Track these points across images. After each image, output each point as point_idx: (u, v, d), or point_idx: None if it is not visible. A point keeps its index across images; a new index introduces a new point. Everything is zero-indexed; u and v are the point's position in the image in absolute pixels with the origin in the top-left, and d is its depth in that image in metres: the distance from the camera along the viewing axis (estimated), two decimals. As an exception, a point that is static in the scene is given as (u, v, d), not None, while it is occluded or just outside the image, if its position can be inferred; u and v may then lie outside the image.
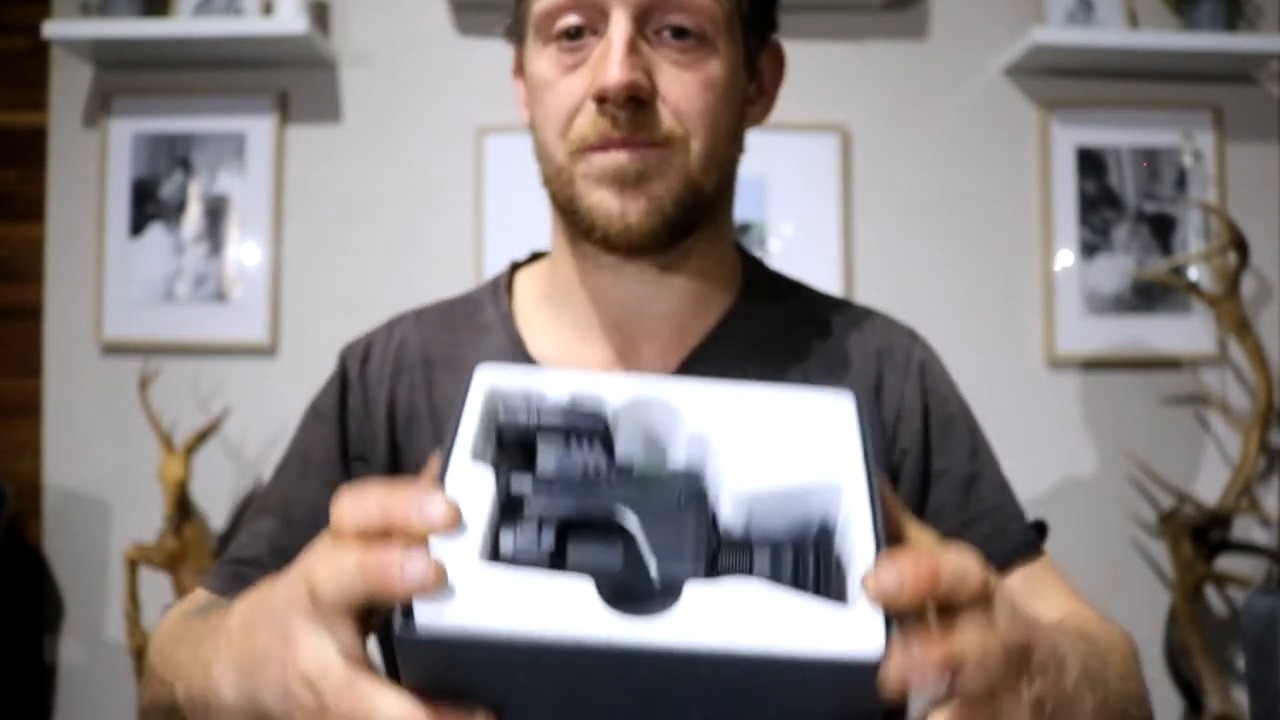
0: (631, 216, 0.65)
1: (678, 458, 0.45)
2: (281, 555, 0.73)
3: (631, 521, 0.38)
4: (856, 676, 0.35)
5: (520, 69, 0.75)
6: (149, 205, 1.96)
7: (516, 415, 0.42)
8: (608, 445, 0.42)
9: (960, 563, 0.39)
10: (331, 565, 0.38)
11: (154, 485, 1.80)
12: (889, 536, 0.41)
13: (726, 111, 0.69)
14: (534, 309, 0.77)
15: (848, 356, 0.75)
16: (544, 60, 0.68)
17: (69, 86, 1.98)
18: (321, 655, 0.39)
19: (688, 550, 0.38)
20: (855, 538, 0.40)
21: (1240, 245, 1.78)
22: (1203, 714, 1.75)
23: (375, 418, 0.75)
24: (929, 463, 0.73)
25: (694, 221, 0.68)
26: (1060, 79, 1.98)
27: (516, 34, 0.74)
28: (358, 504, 0.39)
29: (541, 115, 0.69)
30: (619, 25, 0.64)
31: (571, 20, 0.66)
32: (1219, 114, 1.99)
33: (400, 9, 1.98)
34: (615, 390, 0.45)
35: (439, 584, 0.35)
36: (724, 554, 0.39)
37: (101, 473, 1.94)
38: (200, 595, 0.73)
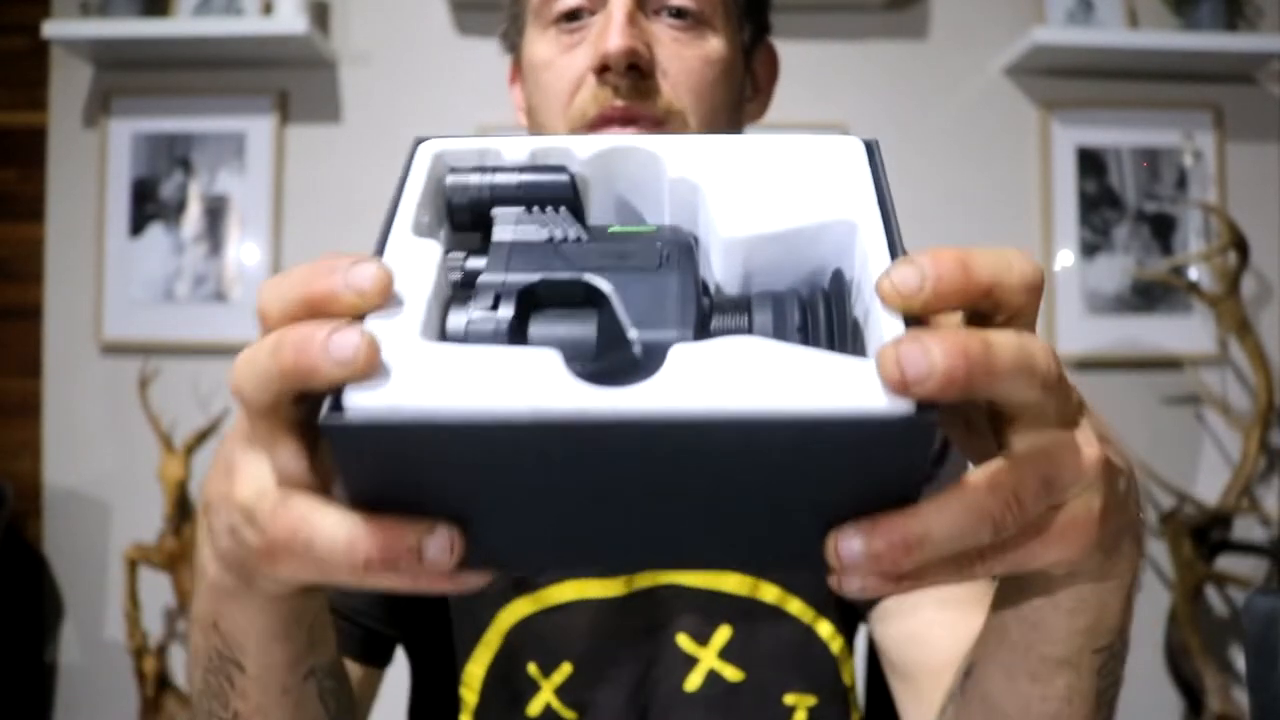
0: None
1: (660, 215, 0.38)
2: None
3: (605, 285, 0.32)
4: (880, 435, 0.28)
5: (516, 76, 0.76)
6: (149, 205, 1.96)
7: (466, 180, 0.36)
8: (575, 208, 0.36)
9: (999, 255, 0.31)
10: (248, 361, 0.31)
11: (154, 485, 1.80)
12: None
13: (725, 90, 0.69)
14: None
15: None
16: (543, 43, 0.68)
17: (69, 86, 1.98)
18: (256, 479, 0.33)
19: (673, 312, 0.32)
20: (874, 284, 0.31)
21: (1240, 245, 1.78)
22: (1203, 714, 1.75)
23: None
24: None
25: None
26: (1060, 79, 1.98)
27: (513, 37, 0.74)
28: (277, 284, 0.32)
29: (540, 97, 0.69)
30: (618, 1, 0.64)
31: (571, 2, 0.66)
32: (1219, 114, 1.99)
33: (400, 9, 1.98)
34: (583, 145, 0.38)
35: (371, 361, 0.28)
36: (717, 314, 0.33)
37: (101, 473, 1.94)
38: None
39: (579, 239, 0.35)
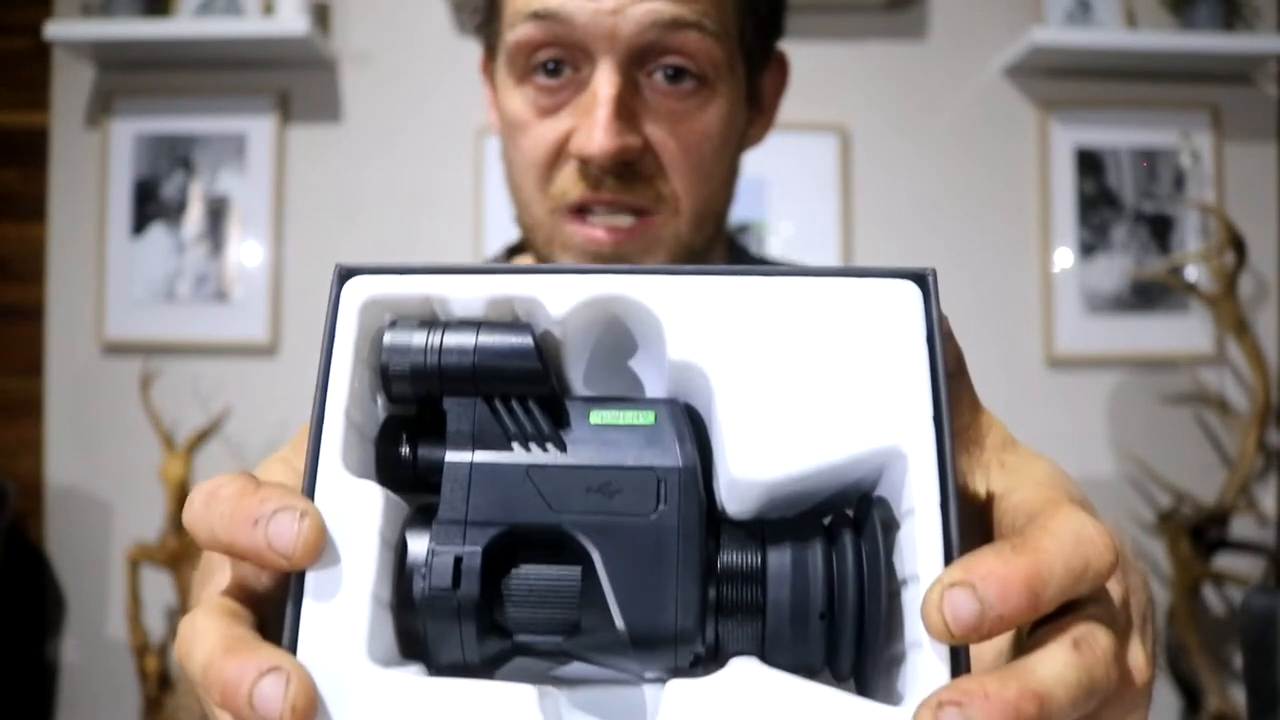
0: None
1: (657, 382, 0.31)
2: None
3: (590, 547, 0.27)
4: None
5: (487, 67, 0.70)
6: (150, 205, 1.96)
7: (409, 341, 0.28)
8: (543, 386, 0.29)
9: (1077, 561, 0.26)
10: (186, 641, 0.27)
11: (155, 485, 1.81)
12: (969, 524, 0.29)
13: (723, 160, 0.63)
14: None
15: None
16: (519, 99, 0.61)
17: (70, 87, 1.98)
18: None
19: (670, 600, 0.26)
20: (920, 531, 0.26)
21: (1238, 245, 1.78)
22: (1201, 712, 1.75)
23: None
24: None
25: None
26: (1059, 79, 1.98)
27: (486, 36, 0.68)
28: (202, 516, 0.27)
29: (517, 159, 0.62)
30: (605, 80, 0.57)
31: (547, 62, 0.59)
32: (1217, 114, 1.99)
33: (400, 9, 1.98)
34: (559, 294, 0.29)
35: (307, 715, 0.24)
36: (723, 563, 0.27)
37: (103, 472, 1.94)
38: None
39: (554, 443, 0.28)
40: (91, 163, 1.96)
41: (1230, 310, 1.82)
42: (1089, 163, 1.98)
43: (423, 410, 0.30)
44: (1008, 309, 1.97)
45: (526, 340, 0.28)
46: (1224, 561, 1.88)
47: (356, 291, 0.29)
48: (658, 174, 0.59)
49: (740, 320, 0.29)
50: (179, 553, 1.75)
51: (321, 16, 1.97)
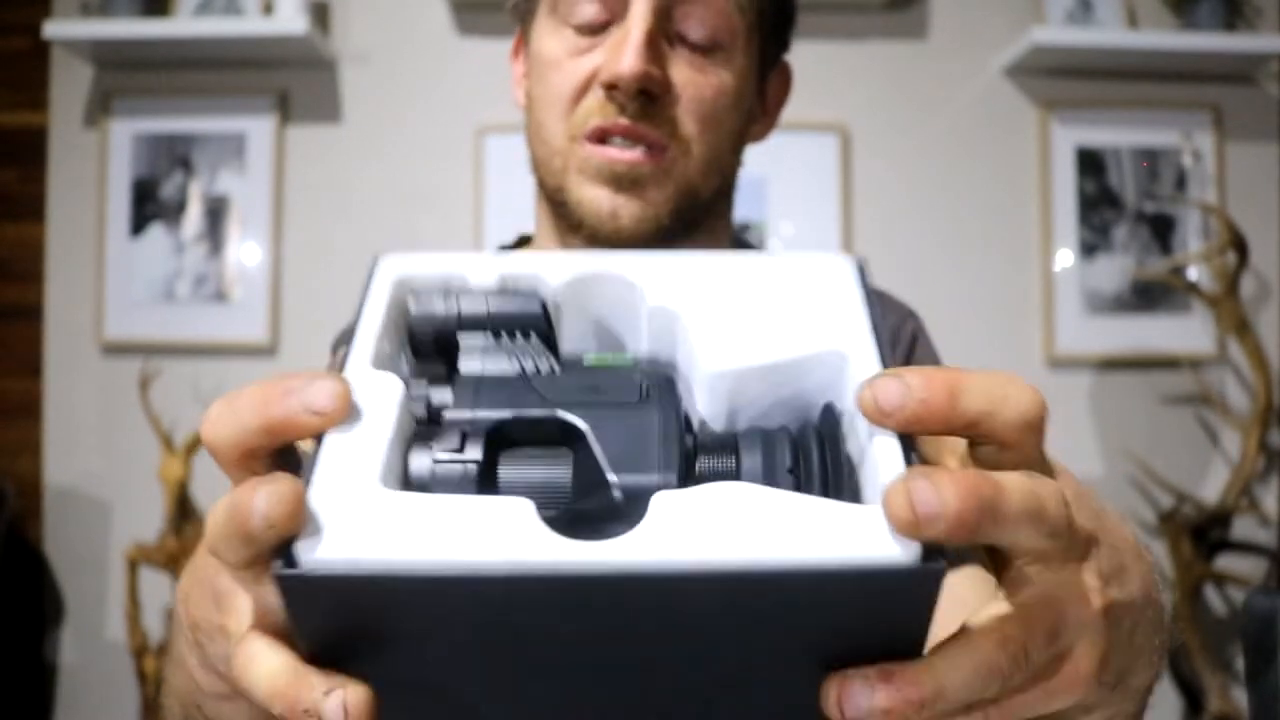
0: (623, 219, 0.63)
1: (639, 345, 0.36)
2: None
3: (581, 423, 0.30)
4: (888, 586, 0.26)
5: (519, 48, 0.73)
6: (149, 205, 1.96)
7: (431, 308, 0.34)
8: (548, 338, 0.34)
9: (996, 385, 0.30)
10: (214, 513, 0.30)
11: (154, 485, 1.80)
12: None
13: (733, 120, 0.67)
14: None
15: None
16: (555, 39, 0.66)
17: (69, 87, 1.98)
18: (238, 614, 0.32)
19: (655, 454, 0.29)
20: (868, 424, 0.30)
21: (1240, 245, 1.78)
22: (1202, 713, 1.75)
23: None
24: None
25: (688, 225, 0.66)
26: (1060, 79, 1.98)
27: (523, 11, 0.71)
28: (230, 412, 0.31)
29: (543, 92, 0.67)
30: (640, 13, 0.62)
31: (589, 11, 0.64)
32: (1218, 114, 1.99)
33: (400, 9, 1.98)
34: (555, 269, 0.35)
35: (293, 512, 0.27)
36: (702, 454, 0.31)
37: (102, 473, 1.94)
38: None
39: (551, 370, 0.33)
40: (90, 163, 1.96)
41: (1231, 310, 1.82)
42: (1090, 163, 1.98)
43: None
44: (1008, 309, 1.97)
45: (534, 302, 0.34)
46: (1225, 562, 1.87)
47: (388, 269, 0.35)
48: (674, 112, 0.64)
49: (706, 279, 0.35)
50: (178, 553, 1.75)
51: (321, 16, 1.97)
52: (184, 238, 1.96)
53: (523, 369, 0.33)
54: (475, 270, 0.35)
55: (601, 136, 0.63)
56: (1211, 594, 1.94)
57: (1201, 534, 1.81)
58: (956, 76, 1.99)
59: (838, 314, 0.34)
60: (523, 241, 0.80)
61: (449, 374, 0.33)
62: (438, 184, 1.96)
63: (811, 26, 1.97)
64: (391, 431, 0.29)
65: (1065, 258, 1.97)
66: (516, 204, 1.89)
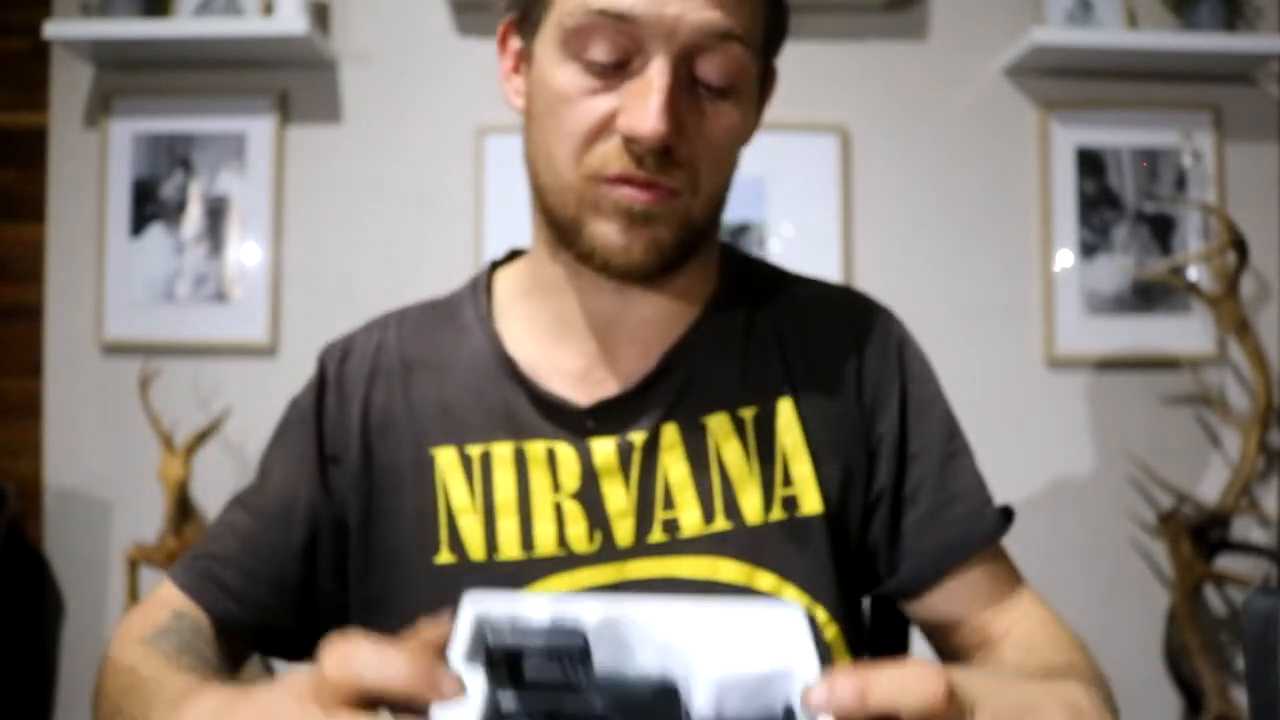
0: (635, 253, 0.65)
1: (649, 663, 0.50)
2: (252, 553, 0.74)
3: (611, 712, 0.45)
4: None
5: (519, 67, 0.72)
6: (149, 205, 1.96)
7: (503, 638, 0.45)
8: (586, 659, 0.46)
9: (899, 681, 0.42)
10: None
11: (154, 485, 1.80)
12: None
13: (737, 153, 0.70)
14: (513, 309, 0.77)
15: (827, 344, 0.77)
16: (566, 74, 0.65)
17: (69, 87, 1.98)
18: None
19: None
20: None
21: (1240, 245, 1.78)
22: (1202, 714, 1.75)
23: (349, 420, 0.75)
24: (906, 443, 0.75)
25: (687, 253, 0.69)
26: (1060, 79, 1.98)
27: (525, 23, 0.70)
28: (382, 663, 0.43)
29: (554, 125, 0.66)
30: (660, 72, 0.63)
31: (604, 51, 0.64)
32: (1218, 114, 1.99)
33: (400, 9, 1.98)
34: (589, 611, 0.50)
35: None
36: None
37: (102, 473, 1.94)
38: (165, 599, 0.74)
39: (589, 681, 0.45)
40: (90, 163, 1.96)
41: (1231, 310, 1.82)
42: (1090, 163, 1.98)
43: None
44: (1008, 309, 1.97)
45: (579, 640, 0.45)
46: (1225, 562, 1.88)
47: (470, 608, 0.50)
48: (689, 157, 0.66)
49: (693, 618, 0.51)
50: (178, 553, 1.75)
51: (321, 16, 1.97)
52: (184, 238, 1.96)
53: (568, 678, 0.45)
54: (533, 608, 0.50)
55: (617, 184, 0.65)
56: (1211, 594, 1.94)
57: (1201, 534, 1.81)
58: (956, 77, 1.99)
59: (791, 646, 0.49)
60: (514, 255, 0.82)
61: (513, 680, 0.45)
62: (438, 184, 1.96)
63: (811, 26, 1.97)
64: (478, 717, 0.43)
65: (1065, 258, 1.97)
66: (516, 204, 1.89)
